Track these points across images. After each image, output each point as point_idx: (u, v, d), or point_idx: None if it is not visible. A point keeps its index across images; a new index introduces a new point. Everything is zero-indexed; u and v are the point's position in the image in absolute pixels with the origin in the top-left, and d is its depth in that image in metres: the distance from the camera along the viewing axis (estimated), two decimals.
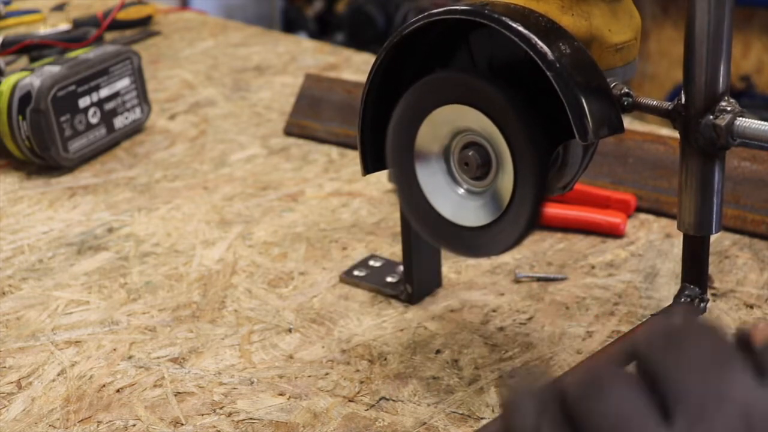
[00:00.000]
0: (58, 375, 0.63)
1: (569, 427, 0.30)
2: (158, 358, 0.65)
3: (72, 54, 1.03)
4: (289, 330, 0.67)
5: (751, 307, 0.67)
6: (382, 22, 3.37)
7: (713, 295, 0.69)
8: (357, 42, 3.17)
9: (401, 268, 0.70)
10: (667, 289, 0.70)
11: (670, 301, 0.61)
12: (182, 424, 0.58)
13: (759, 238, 0.77)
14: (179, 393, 0.61)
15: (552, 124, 0.51)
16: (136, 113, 1.06)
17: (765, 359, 0.31)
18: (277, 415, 0.58)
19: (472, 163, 0.53)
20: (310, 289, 0.73)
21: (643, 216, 0.82)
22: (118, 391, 0.61)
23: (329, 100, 1.05)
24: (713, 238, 0.57)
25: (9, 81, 0.95)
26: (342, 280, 0.74)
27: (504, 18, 0.50)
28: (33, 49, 1.30)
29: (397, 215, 0.80)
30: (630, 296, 0.69)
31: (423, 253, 0.69)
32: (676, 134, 0.52)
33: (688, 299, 0.58)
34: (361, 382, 0.61)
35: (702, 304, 0.59)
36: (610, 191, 0.82)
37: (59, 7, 1.67)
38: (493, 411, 0.58)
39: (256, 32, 1.52)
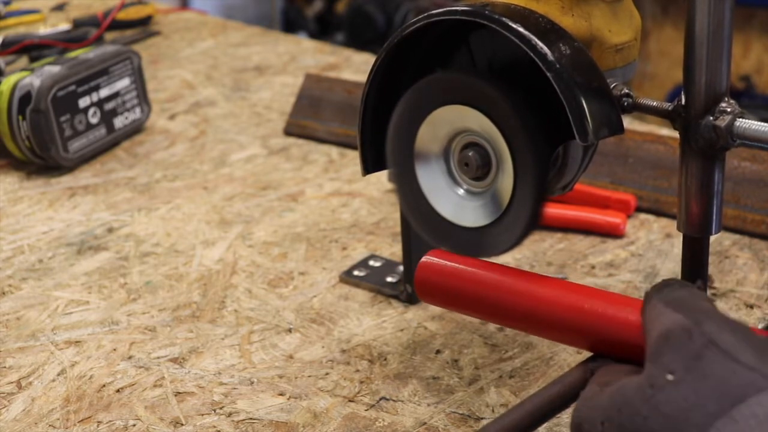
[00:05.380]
0: (58, 375, 0.63)
1: None
2: (158, 358, 0.65)
3: (72, 54, 1.03)
4: (289, 330, 0.67)
5: (751, 307, 0.67)
6: (382, 22, 3.37)
7: (713, 295, 0.69)
8: (357, 42, 3.17)
9: (401, 268, 0.70)
10: None
11: None
12: (182, 424, 0.58)
13: (759, 238, 0.77)
14: (179, 393, 0.61)
15: (552, 125, 0.51)
16: (136, 113, 1.06)
17: None
18: (277, 415, 0.58)
19: (472, 163, 0.53)
20: (310, 289, 0.73)
21: (643, 216, 0.82)
22: (118, 391, 0.61)
23: (329, 100, 1.05)
24: (713, 238, 0.57)
25: (9, 81, 0.95)
26: (342, 280, 0.74)
27: (504, 19, 0.50)
28: (33, 49, 1.30)
29: (397, 215, 0.80)
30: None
31: (423, 253, 0.68)
32: (676, 134, 0.52)
33: None
34: (361, 382, 0.61)
35: None
36: (610, 191, 0.82)
37: (59, 7, 1.67)
38: (493, 411, 0.58)
39: (256, 32, 1.52)
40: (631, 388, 0.40)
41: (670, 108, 0.51)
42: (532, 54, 0.49)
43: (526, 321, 0.51)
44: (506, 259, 0.75)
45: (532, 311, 0.50)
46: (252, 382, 0.62)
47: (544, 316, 0.50)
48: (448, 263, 0.54)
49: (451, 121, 0.53)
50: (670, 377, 0.38)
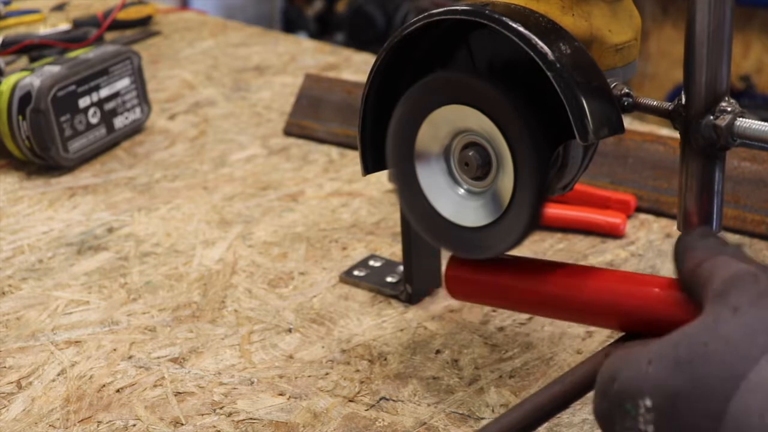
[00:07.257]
0: (58, 375, 0.63)
1: None
2: (158, 358, 0.65)
3: (72, 54, 1.03)
4: (289, 330, 0.67)
5: None
6: (382, 22, 3.37)
7: None
8: (357, 42, 3.17)
9: (401, 268, 0.70)
10: None
11: None
12: (182, 424, 0.58)
13: (759, 238, 0.77)
14: (179, 393, 0.61)
15: (552, 125, 0.51)
16: (136, 113, 1.06)
17: None
18: (277, 415, 0.58)
19: (473, 163, 0.53)
20: (310, 289, 0.73)
21: (643, 216, 0.82)
22: (118, 391, 0.61)
23: (329, 100, 1.05)
24: None
25: (9, 81, 0.95)
26: (342, 280, 0.74)
27: (504, 18, 0.50)
28: (33, 49, 1.30)
29: (397, 215, 0.80)
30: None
31: (423, 253, 0.69)
32: (676, 134, 0.52)
33: None
34: (361, 382, 0.61)
35: None
36: (609, 191, 0.82)
37: (59, 7, 1.67)
38: (493, 411, 0.58)
39: (256, 32, 1.52)
40: (692, 326, 0.40)
41: (670, 108, 0.51)
42: (532, 53, 0.49)
43: (563, 307, 0.52)
44: None
45: (570, 297, 0.51)
46: (252, 382, 0.62)
47: (580, 300, 0.51)
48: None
49: (452, 121, 0.53)
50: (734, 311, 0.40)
